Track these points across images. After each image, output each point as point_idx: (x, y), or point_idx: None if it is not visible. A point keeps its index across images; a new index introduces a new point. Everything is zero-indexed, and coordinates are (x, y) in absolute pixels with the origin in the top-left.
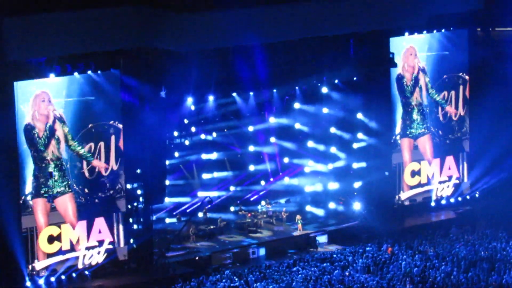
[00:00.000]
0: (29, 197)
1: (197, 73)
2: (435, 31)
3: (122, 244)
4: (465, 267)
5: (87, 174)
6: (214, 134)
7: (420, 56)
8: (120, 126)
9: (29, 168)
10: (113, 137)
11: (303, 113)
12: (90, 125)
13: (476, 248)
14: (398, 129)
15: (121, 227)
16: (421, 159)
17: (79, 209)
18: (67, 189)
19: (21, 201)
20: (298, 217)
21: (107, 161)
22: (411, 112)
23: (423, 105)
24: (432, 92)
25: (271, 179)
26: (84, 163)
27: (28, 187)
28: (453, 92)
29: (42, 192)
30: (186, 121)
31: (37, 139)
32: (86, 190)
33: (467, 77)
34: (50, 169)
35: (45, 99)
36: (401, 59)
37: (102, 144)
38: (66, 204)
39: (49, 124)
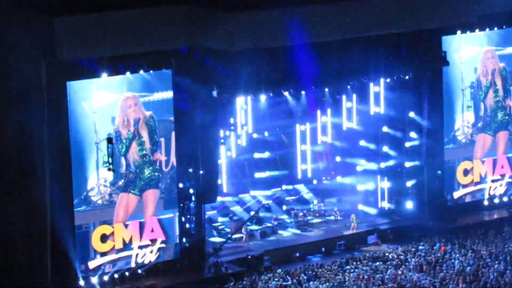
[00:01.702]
0: (91, 193)
1: (248, 72)
2: (487, 29)
3: (174, 243)
4: None
5: (163, 167)
6: (266, 133)
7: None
8: None
9: (92, 164)
10: (173, 133)
11: (355, 111)
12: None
13: None
14: (458, 125)
15: (174, 225)
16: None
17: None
18: (153, 183)
19: (82, 197)
20: (352, 216)
21: (167, 156)
22: (489, 110)
23: (500, 102)
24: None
25: (323, 178)
26: (159, 157)
27: (91, 183)
28: None
29: (131, 187)
30: (238, 120)
31: (119, 144)
32: (159, 189)
33: None
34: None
35: (131, 104)
36: (479, 63)
37: (163, 139)
38: (150, 199)
39: (131, 131)
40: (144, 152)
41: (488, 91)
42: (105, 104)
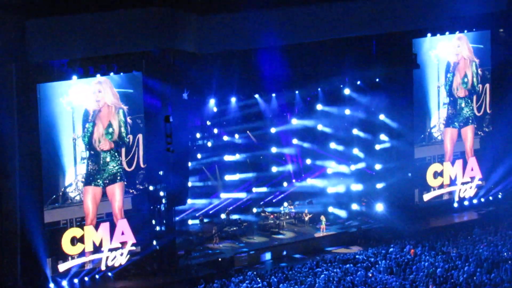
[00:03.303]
0: (69, 189)
1: (219, 75)
2: (457, 32)
3: (144, 245)
4: (488, 268)
5: (126, 166)
6: (237, 136)
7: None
8: None
9: (69, 162)
10: (140, 135)
11: (326, 114)
12: (128, 117)
13: (499, 249)
14: (433, 122)
15: (144, 228)
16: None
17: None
18: (118, 177)
19: (60, 193)
20: (322, 217)
21: (137, 156)
22: (455, 102)
23: (468, 96)
24: (475, 83)
25: (294, 181)
26: (123, 154)
27: (69, 179)
28: (487, 85)
29: (94, 179)
30: (208, 122)
31: (85, 125)
32: (124, 182)
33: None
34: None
35: (104, 87)
36: (451, 49)
37: (140, 136)
38: (116, 192)
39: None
40: (111, 143)
41: (453, 78)
42: (81, 99)
